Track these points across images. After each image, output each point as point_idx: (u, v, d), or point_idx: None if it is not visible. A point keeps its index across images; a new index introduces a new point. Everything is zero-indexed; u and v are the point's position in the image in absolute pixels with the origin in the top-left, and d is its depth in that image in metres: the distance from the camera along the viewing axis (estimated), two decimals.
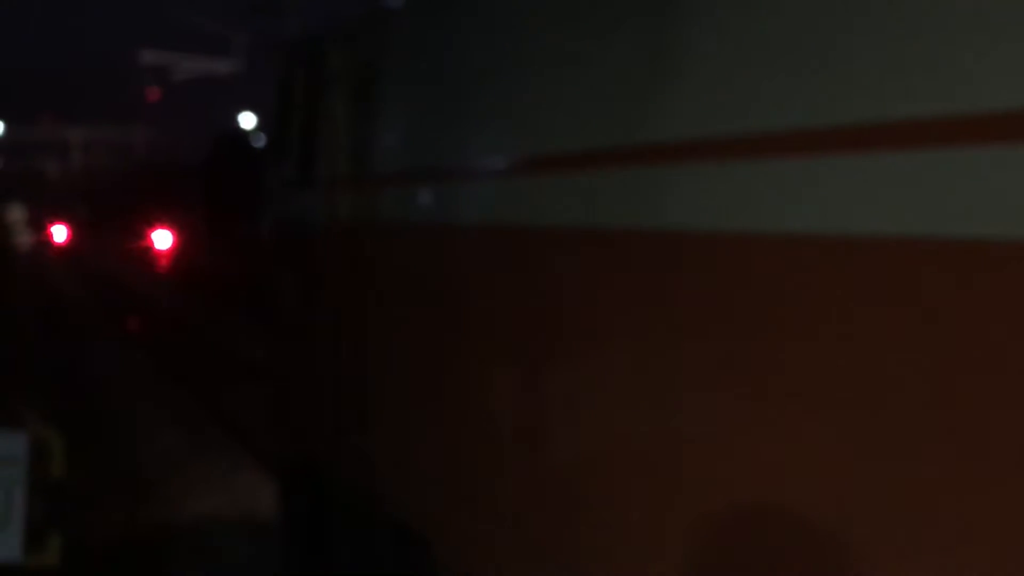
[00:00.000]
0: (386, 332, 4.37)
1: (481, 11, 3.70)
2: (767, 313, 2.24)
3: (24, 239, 34.91)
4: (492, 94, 3.52)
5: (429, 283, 3.94)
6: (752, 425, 2.27)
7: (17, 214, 36.98)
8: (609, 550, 2.83)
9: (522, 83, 3.29)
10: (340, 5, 5.24)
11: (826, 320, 2.07)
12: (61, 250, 39.26)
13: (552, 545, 3.08)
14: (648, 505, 2.67)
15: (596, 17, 2.95)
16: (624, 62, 2.78)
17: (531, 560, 3.17)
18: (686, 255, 2.55)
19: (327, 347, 4.98)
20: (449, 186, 3.82)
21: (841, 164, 2.04)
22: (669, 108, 2.59)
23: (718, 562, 2.46)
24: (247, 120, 31.50)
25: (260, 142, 7.54)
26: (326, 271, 5.03)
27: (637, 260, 2.69)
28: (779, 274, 2.21)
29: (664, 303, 2.63)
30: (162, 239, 28.50)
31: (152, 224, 28.73)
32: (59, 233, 42.16)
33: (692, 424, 2.50)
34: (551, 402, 3.12)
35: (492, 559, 3.42)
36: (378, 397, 4.44)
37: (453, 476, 3.72)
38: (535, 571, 3.15)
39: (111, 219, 35.35)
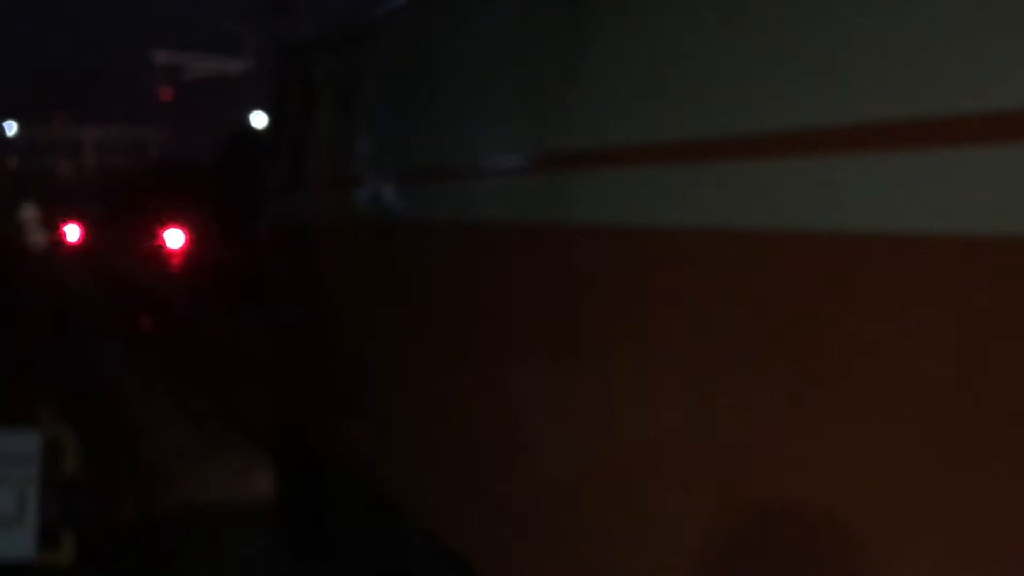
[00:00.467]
0: (363, 324, 4.73)
1: (446, 27, 4.06)
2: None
3: (37, 238, 35.07)
4: (453, 102, 3.87)
5: (399, 277, 4.31)
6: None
7: (30, 213, 37.13)
8: (571, 511, 3.03)
9: (478, 94, 3.62)
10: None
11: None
12: (74, 249, 39.41)
13: (520, 513, 3.32)
14: (600, 470, 2.89)
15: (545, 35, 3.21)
16: (578, 73, 3.01)
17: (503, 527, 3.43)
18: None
19: (314, 339, 5.44)
20: (410, 187, 4.22)
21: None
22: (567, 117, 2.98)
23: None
24: (258, 119, 31.61)
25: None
26: (312, 267, 5.43)
27: (551, 254, 3.07)
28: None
29: (566, 291, 2.98)
30: (174, 238, 28.59)
31: (164, 223, 28.83)
32: (72, 232, 42.33)
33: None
34: (506, 379, 3.39)
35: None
36: (355, 383, 4.84)
37: (437, 457, 3.96)
38: (504, 534, 3.41)
39: (123, 218, 35.48)
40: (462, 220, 3.70)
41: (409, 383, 4.23)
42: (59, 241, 40.37)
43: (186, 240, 28.01)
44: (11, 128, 59.49)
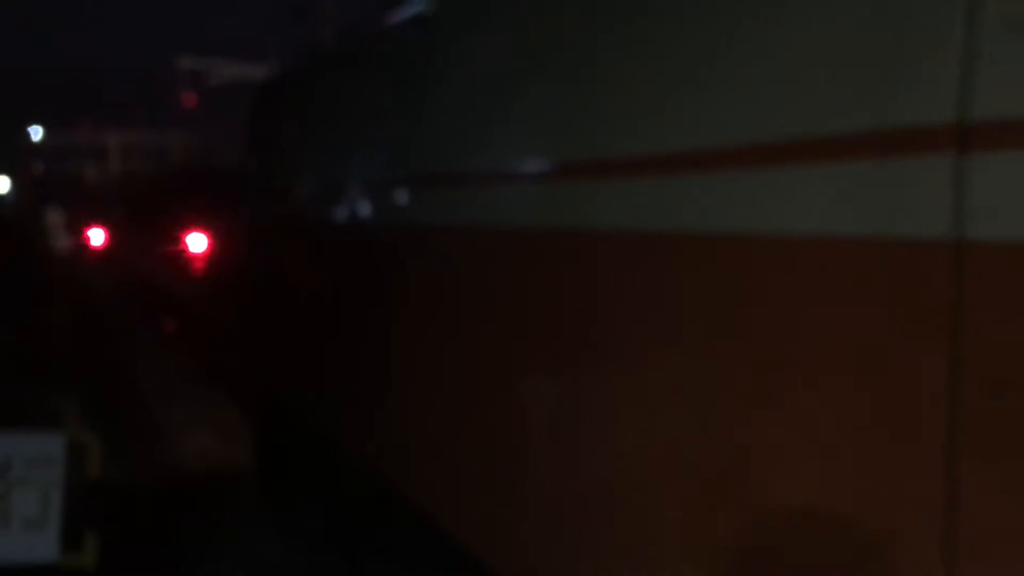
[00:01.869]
0: (318, 306, 5.85)
1: (356, 76, 5.46)
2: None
3: (62, 242, 35.31)
4: (360, 131, 5.19)
5: (338, 265, 5.54)
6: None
7: (55, 218, 37.40)
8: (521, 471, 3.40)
9: (381, 125, 4.84)
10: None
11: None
12: (98, 253, 39.67)
13: (468, 468, 3.79)
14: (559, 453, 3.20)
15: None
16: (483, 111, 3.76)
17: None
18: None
19: (286, 322, 6.62)
20: (336, 194, 5.45)
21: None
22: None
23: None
24: None
25: None
26: (278, 258, 6.93)
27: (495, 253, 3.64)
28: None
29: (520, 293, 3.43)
30: (197, 242, 28.72)
31: (188, 227, 28.97)
32: (96, 236, 42.60)
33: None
34: (449, 349, 4.02)
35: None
36: (312, 354, 5.97)
37: (395, 420, 4.61)
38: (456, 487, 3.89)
39: (147, 222, 35.69)
40: (369, 221, 5.05)
41: (363, 357, 5.05)
42: (83, 245, 40.64)
43: (209, 244, 28.14)
44: (37, 133, 60.01)
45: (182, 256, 28.87)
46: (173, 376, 13.19)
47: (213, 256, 27.05)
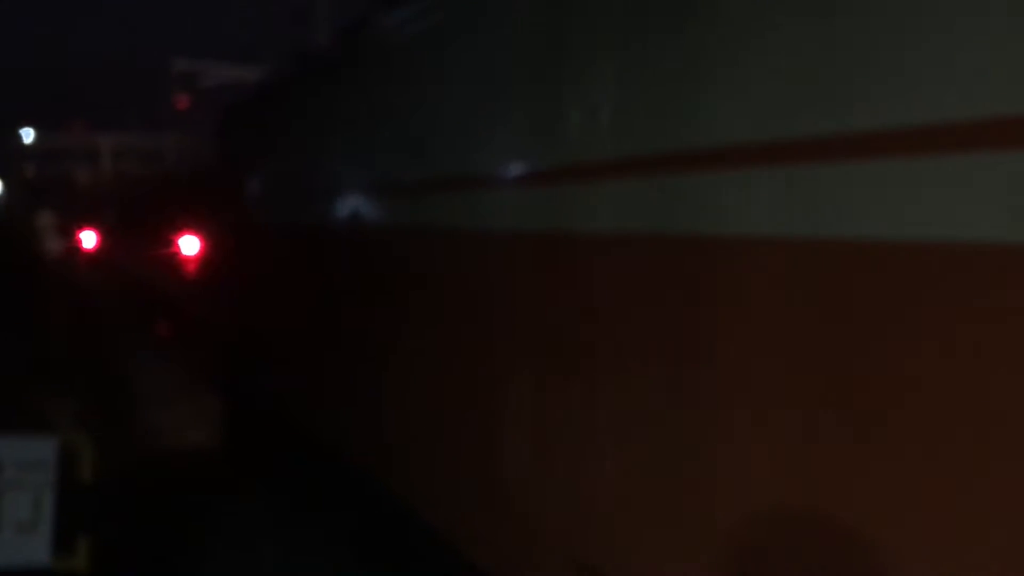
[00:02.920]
0: (273, 295, 7.13)
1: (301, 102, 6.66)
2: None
3: (54, 245, 35.21)
4: (299, 151, 6.57)
5: (291, 263, 6.76)
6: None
7: (47, 220, 37.29)
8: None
9: (314, 148, 6.14)
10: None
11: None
12: (90, 256, 39.56)
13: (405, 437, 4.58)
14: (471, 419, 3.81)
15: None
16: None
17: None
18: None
19: (250, 314, 7.95)
20: (281, 203, 6.98)
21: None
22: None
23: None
24: None
25: None
26: (244, 259, 8.24)
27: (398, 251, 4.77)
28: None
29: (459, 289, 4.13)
30: (189, 245, 28.63)
31: (180, 230, 28.89)
32: (88, 239, 42.48)
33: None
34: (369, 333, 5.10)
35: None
36: (269, 340, 7.32)
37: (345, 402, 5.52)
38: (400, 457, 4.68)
39: (139, 225, 35.60)
40: (304, 224, 6.36)
41: (315, 346, 6.02)
42: (75, 248, 40.53)
43: (201, 246, 28.07)
44: (28, 135, 59.82)
45: (175, 258, 28.79)
46: (160, 369, 13.76)
47: (205, 258, 26.96)
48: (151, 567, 5.87)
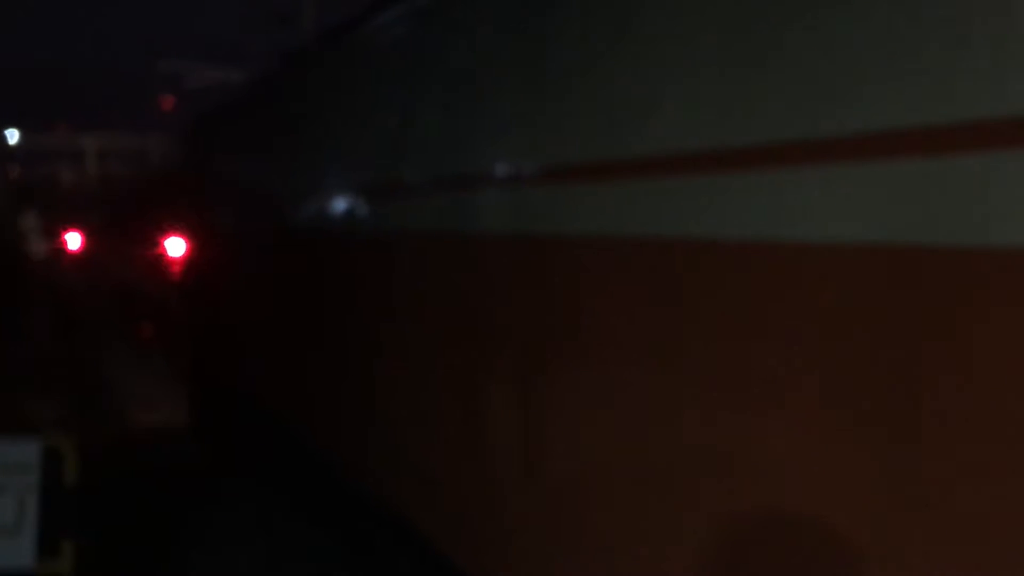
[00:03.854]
0: (234, 293, 8.02)
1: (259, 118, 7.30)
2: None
3: (39, 247, 35.05)
4: (252, 164, 7.47)
5: (248, 262, 7.58)
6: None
7: (32, 222, 37.12)
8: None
9: (271, 160, 6.81)
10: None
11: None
12: (75, 257, 39.41)
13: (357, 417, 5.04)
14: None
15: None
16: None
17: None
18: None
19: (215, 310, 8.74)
20: (239, 210, 7.85)
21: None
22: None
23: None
24: None
25: None
26: (209, 258, 9.05)
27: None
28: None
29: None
30: (175, 246, 28.54)
31: (165, 231, 28.80)
32: (73, 240, 42.32)
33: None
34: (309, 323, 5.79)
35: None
36: (239, 335, 7.84)
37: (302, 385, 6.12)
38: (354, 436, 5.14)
39: (125, 226, 35.47)
40: (257, 228, 7.17)
41: (271, 335, 6.73)
42: (60, 249, 40.36)
43: (187, 247, 27.97)
44: (13, 136, 59.54)
45: (160, 260, 28.71)
46: (134, 359, 14.88)
47: (181, 258, 26.89)
48: (135, 570, 5.85)
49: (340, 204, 5.26)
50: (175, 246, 29.08)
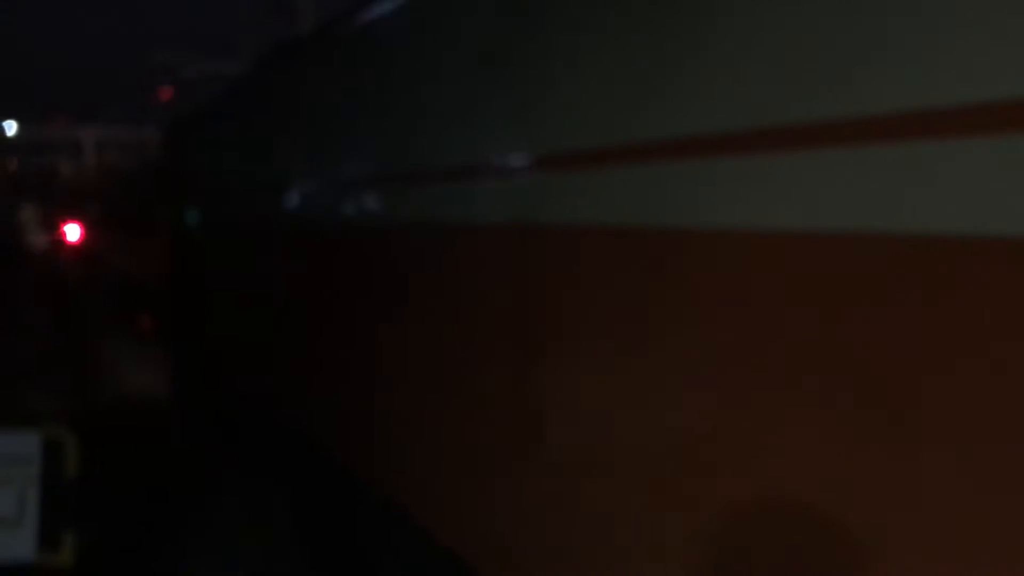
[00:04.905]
0: (210, 276, 9.07)
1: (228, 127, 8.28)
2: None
3: (38, 238, 35.05)
4: (218, 166, 8.64)
5: (217, 252, 8.71)
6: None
7: (31, 213, 37.11)
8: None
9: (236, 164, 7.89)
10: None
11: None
12: (74, 249, 39.38)
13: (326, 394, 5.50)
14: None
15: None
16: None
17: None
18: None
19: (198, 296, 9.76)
20: (210, 204, 8.94)
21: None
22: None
23: None
24: None
25: None
26: (186, 249, 10.41)
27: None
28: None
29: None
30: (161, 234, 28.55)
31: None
32: (72, 232, 42.30)
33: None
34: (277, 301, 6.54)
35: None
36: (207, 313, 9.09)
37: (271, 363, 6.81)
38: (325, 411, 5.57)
39: (123, 218, 35.44)
40: (229, 221, 8.12)
41: (245, 315, 7.45)
42: (59, 241, 40.34)
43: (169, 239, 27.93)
44: (11, 128, 59.48)
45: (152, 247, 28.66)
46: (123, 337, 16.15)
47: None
48: (137, 563, 5.85)
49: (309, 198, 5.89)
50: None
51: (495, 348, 3.39)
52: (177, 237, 10.74)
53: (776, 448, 2.20)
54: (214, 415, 8.77)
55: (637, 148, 2.59)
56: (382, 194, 4.57)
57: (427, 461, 4.10)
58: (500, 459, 3.38)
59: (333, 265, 5.29)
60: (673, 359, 2.50)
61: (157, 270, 25.74)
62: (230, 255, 8.10)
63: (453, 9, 3.78)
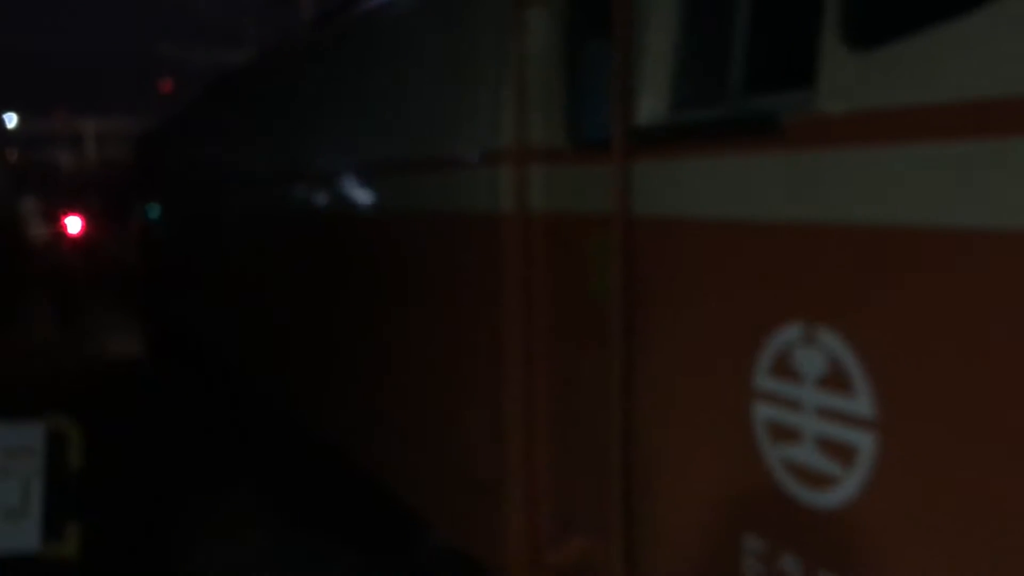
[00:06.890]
0: (176, 255, 12.12)
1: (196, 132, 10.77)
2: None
3: (39, 231, 35.05)
4: (177, 174, 12.00)
5: (178, 237, 12.02)
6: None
7: (31, 206, 37.08)
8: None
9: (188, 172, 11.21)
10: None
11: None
12: (75, 242, 39.34)
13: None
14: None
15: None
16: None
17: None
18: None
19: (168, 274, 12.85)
20: (180, 196, 11.85)
21: None
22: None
23: None
24: None
25: None
26: (158, 232, 13.67)
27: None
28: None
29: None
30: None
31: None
32: (73, 224, 42.24)
33: None
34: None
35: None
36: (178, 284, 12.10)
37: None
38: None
39: (124, 210, 35.45)
40: (193, 214, 10.82)
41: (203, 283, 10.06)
42: (61, 233, 40.29)
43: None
44: (11, 120, 59.37)
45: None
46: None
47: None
48: (140, 552, 5.88)
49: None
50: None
51: None
52: (143, 226, 15.12)
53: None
54: (164, 333, 13.10)
55: None
56: (253, 189, 7.36)
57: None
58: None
59: (225, 237, 8.59)
60: None
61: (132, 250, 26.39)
62: (177, 236, 11.73)
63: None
